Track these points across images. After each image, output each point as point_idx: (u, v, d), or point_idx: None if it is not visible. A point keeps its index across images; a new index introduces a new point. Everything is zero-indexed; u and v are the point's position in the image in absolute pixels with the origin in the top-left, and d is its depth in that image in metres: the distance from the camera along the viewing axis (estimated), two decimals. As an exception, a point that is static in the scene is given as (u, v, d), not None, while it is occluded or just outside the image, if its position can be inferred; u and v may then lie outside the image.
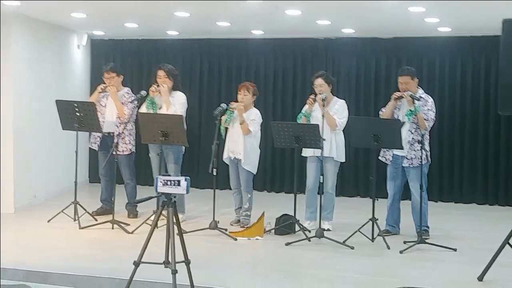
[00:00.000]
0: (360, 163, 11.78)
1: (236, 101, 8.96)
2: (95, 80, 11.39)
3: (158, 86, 9.24)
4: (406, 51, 11.72)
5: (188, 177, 5.51)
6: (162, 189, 5.59)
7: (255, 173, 9.12)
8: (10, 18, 9.67)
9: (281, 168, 12.20)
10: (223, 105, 8.89)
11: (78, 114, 9.04)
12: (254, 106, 9.14)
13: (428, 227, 8.63)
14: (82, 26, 11.66)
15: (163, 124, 8.61)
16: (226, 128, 9.01)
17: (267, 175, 12.23)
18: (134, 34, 12.36)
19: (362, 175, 11.79)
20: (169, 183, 5.54)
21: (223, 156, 9.18)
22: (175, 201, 5.70)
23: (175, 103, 9.20)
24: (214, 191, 8.64)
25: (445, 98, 11.51)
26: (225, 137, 9.08)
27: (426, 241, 8.06)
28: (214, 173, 8.51)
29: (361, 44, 11.93)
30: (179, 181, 5.53)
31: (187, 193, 5.62)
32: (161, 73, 9.33)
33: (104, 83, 9.59)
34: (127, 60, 12.78)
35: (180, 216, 9.08)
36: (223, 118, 8.88)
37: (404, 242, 8.20)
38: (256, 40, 12.22)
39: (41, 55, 10.82)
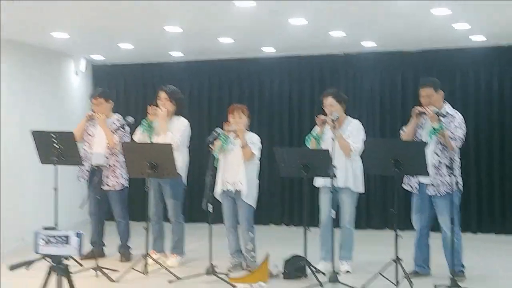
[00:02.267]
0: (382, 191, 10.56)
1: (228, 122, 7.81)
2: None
3: (157, 107, 8.15)
4: (436, 65, 10.54)
5: (81, 232, 4.23)
6: (44, 249, 4.32)
7: (255, 207, 7.91)
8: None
9: (290, 197, 11.10)
10: (218, 130, 7.72)
11: (56, 145, 7.97)
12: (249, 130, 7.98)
13: (463, 266, 7.35)
14: (75, 50, 10.72)
15: (150, 154, 7.50)
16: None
17: (275, 206, 11.29)
18: (137, 58, 11.48)
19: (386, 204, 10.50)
20: (53, 240, 4.25)
21: (216, 191, 7.88)
22: (67, 266, 4.42)
23: (173, 130, 8.08)
24: (210, 230, 7.43)
25: (481, 114, 10.34)
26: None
27: (461, 285, 6.73)
28: (210, 210, 7.31)
29: (386, 58, 10.80)
30: (67, 237, 4.21)
31: (79, 254, 4.30)
32: (162, 95, 8.25)
33: (93, 110, 8.54)
34: (131, 86, 11.94)
35: (178, 259, 8.07)
36: (217, 144, 7.69)
37: (435, 286, 6.90)
38: (268, 59, 11.15)
39: (30, 82, 9.92)
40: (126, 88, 11.87)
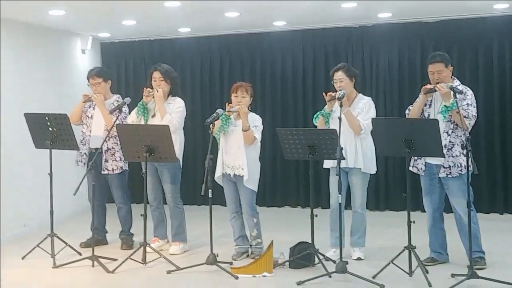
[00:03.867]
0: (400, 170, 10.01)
1: (230, 104, 7.32)
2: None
3: (152, 90, 7.69)
4: (457, 36, 9.91)
5: None
6: None
7: (256, 191, 7.44)
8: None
9: (305, 179, 10.48)
10: (219, 111, 7.25)
11: (50, 129, 7.56)
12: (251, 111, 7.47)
13: (483, 252, 6.84)
14: (81, 28, 10.26)
15: (147, 137, 7.05)
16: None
17: (290, 188, 10.80)
18: (145, 34, 11.07)
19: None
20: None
21: (215, 174, 7.44)
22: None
23: (171, 111, 7.62)
24: (211, 217, 6.98)
25: (506, 90, 9.67)
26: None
27: (480, 274, 6.21)
28: (209, 195, 6.84)
29: (403, 30, 10.18)
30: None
31: None
32: (156, 74, 7.79)
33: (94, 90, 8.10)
34: (139, 63, 11.47)
35: (180, 246, 7.66)
36: (217, 124, 7.21)
37: (452, 276, 6.42)
38: (280, 32, 10.60)
39: (32, 62, 9.47)
40: (134, 64, 11.43)
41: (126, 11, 8.67)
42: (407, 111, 7.02)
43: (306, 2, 8.23)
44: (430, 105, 6.85)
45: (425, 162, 6.86)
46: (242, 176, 7.21)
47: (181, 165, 7.82)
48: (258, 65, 10.85)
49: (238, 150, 7.23)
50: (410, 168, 6.95)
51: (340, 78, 7.21)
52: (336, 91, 7.17)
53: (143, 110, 7.68)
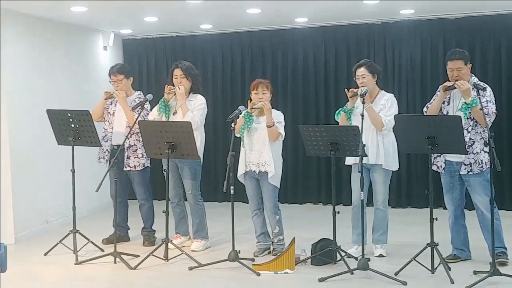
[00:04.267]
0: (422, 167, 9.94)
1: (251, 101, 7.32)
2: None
3: (173, 87, 7.71)
4: (479, 32, 9.85)
5: (2, 244, 3.47)
6: None
7: (279, 188, 7.45)
8: (8, 18, 8.39)
9: (327, 176, 10.43)
10: (241, 107, 7.26)
11: (72, 125, 7.60)
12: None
13: (505, 248, 6.79)
14: (103, 24, 10.29)
15: (169, 133, 7.07)
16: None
17: (299, 184, 10.82)
18: (166, 31, 11.10)
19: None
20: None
21: (238, 173, 7.45)
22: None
23: (193, 108, 7.63)
24: (233, 214, 6.97)
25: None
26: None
27: (502, 270, 6.16)
28: (231, 192, 6.84)
29: (426, 26, 10.11)
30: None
31: (2, 269, 3.49)
32: (177, 72, 7.79)
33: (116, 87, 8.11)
34: (161, 59, 11.48)
35: (202, 243, 7.67)
36: (239, 123, 7.22)
37: (474, 273, 6.39)
38: (302, 29, 10.61)
39: (54, 58, 9.52)
40: (156, 61, 11.45)
41: (148, 7, 8.67)
42: (424, 109, 6.98)
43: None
44: (448, 103, 6.80)
45: (445, 160, 6.81)
46: (267, 172, 7.20)
47: (202, 162, 7.83)
48: (280, 61, 10.83)
49: (263, 147, 7.23)
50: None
51: (362, 75, 7.17)
52: (358, 88, 7.13)
53: (165, 108, 7.69)
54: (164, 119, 7.64)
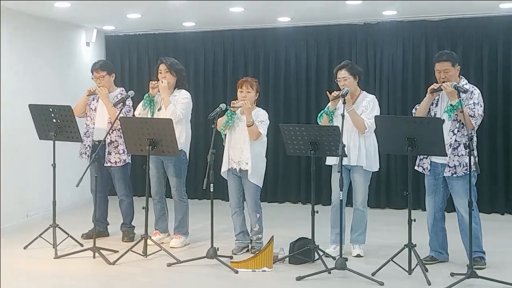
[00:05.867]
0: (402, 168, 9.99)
1: (236, 100, 7.34)
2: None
3: (157, 82, 7.73)
4: (462, 35, 9.91)
5: None
6: None
7: (261, 186, 7.47)
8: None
9: (307, 175, 10.45)
10: (222, 105, 7.28)
11: (54, 120, 7.59)
12: (257, 106, 7.55)
13: (483, 252, 6.84)
14: (85, 20, 10.26)
15: (150, 130, 7.08)
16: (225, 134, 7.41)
17: (291, 184, 10.84)
18: (149, 28, 11.09)
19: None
20: None
21: (222, 169, 7.51)
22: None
23: (176, 103, 7.65)
24: (212, 211, 6.99)
25: (511, 89, 9.70)
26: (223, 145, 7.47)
27: (479, 273, 6.21)
28: (211, 189, 6.86)
29: (408, 28, 10.18)
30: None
31: None
32: (162, 67, 7.83)
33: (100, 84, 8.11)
34: (143, 56, 11.49)
35: (181, 239, 7.68)
36: (221, 120, 7.26)
37: (451, 275, 6.44)
38: (284, 28, 10.62)
39: (36, 53, 9.47)
40: (138, 58, 11.45)
41: (131, 4, 8.65)
42: (413, 110, 7.00)
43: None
44: (436, 104, 6.84)
45: (431, 161, 6.86)
46: (247, 170, 7.23)
47: (188, 158, 7.85)
48: (262, 60, 10.85)
49: (244, 145, 7.27)
50: (416, 168, 6.98)
51: (343, 77, 7.21)
52: (339, 89, 7.17)
53: (150, 103, 7.71)
54: (149, 114, 7.66)
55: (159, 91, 7.70)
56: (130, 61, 11.50)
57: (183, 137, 7.58)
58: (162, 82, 7.67)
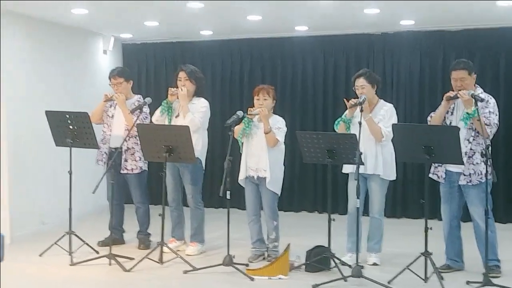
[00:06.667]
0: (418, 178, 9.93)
1: (253, 107, 7.34)
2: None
3: (176, 89, 7.76)
4: (479, 45, 9.88)
5: (1, 235, 3.32)
6: None
7: (279, 194, 7.46)
8: (9, 20, 8.46)
9: (323, 184, 10.38)
10: (239, 113, 7.30)
11: (71, 127, 7.62)
12: (274, 113, 7.56)
13: (498, 260, 6.80)
14: (103, 28, 10.33)
15: (167, 137, 7.10)
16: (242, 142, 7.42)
17: (295, 192, 10.84)
18: (166, 36, 11.14)
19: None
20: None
21: (239, 177, 7.51)
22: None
23: (195, 111, 7.66)
24: (228, 218, 6.99)
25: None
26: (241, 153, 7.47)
27: (494, 281, 6.21)
28: (228, 197, 6.86)
29: (425, 38, 10.16)
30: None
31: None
32: (182, 74, 7.85)
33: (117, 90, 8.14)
34: (161, 64, 11.54)
35: (197, 247, 7.68)
36: (238, 128, 7.27)
37: (467, 283, 6.42)
38: (301, 38, 10.63)
39: (54, 60, 9.55)
40: (156, 66, 11.50)
41: (149, 11, 8.69)
42: (429, 118, 6.98)
43: (328, 7, 8.23)
44: (452, 113, 6.83)
45: (446, 170, 6.84)
46: (265, 178, 7.23)
47: (204, 166, 7.86)
48: (279, 69, 10.87)
49: (261, 152, 7.27)
50: (430, 175, 6.95)
51: (361, 85, 7.21)
52: (357, 97, 7.16)
53: (167, 109, 7.72)
54: (166, 121, 7.68)
55: (177, 98, 7.72)
56: (147, 70, 11.54)
57: (199, 144, 7.60)
58: (181, 90, 7.68)
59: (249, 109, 7.32)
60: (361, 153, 6.55)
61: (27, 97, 8.79)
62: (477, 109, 6.41)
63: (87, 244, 7.78)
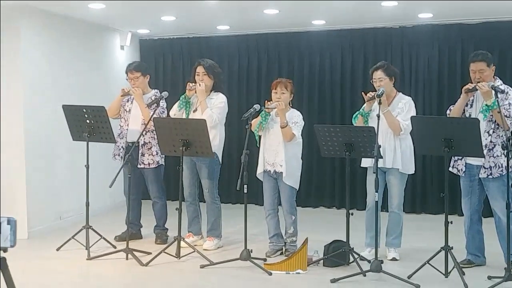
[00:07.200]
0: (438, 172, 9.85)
1: (270, 101, 7.28)
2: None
3: (194, 84, 7.72)
4: (498, 38, 9.74)
5: (13, 219, 3.32)
6: None
7: (297, 188, 7.39)
8: (27, 14, 8.45)
9: (341, 179, 10.35)
10: (256, 106, 7.24)
11: (88, 121, 7.60)
12: (292, 107, 7.48)
13: (521, 255, 6.69)
14: (120, 24, 10.30)
15: (184, 131, 7.05)
16: (260, 136, 7.35)
17: (313, 187, 10.74)
18: (183, 31, 11.07)
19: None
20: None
21: (257, 171, 7.46)
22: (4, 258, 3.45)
23: (213, 106, 7.61)
24: (245, 212, 6.94)
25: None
26: (259, 147, 7.41)
27: (517, 276, 6.10)
28: (245, 191, 6.80)
29: (444, 31, 10.05)
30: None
31: (11, 245, 3.34)
32: (200, 69, 7.80)
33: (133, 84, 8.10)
34: (177, 60, 11.50)
35: (214, 242, 7.64)
36: (255, 121, 7.21)
37: (489, 278, 6.32)
38: (319, 32, 10.56)
39: (71, 54, 9.51)
40: (173, 62, 11.47)
41: (166, 6, 8.65)
42: (448, 111, 6.88)
43: (346, 1, 8.15)
44: (471, 105, 6.73)
45: (466, 163, 6.74)
46: (282, 172, 7.17)
47: (220, 161, 7.81)
48: (296, 64, 10.80)
49: (278, 147, 7.21)
50: (450, 169, 6.86)
51: (379, 78, 7.12)
52: (375, 91, 7.09)
53: (186, 104, 7.69)
54: (184, 115, 7.63)
55: (195, 93, 7.67)
56: (164, 65, 11.51)
57: (217, 139, 7.56)
58: (199, 85, 7.64)
59: (266, 102, 7.26)
60: (379, 146, 6.46)
61: (44, 92, 8.77)
62: (497, 100, 6.32)
63: (104, 239, 7.75)
